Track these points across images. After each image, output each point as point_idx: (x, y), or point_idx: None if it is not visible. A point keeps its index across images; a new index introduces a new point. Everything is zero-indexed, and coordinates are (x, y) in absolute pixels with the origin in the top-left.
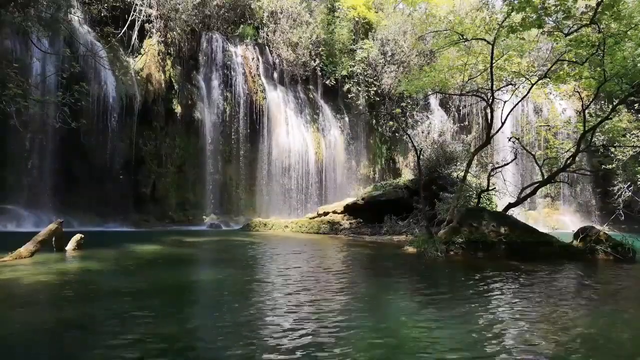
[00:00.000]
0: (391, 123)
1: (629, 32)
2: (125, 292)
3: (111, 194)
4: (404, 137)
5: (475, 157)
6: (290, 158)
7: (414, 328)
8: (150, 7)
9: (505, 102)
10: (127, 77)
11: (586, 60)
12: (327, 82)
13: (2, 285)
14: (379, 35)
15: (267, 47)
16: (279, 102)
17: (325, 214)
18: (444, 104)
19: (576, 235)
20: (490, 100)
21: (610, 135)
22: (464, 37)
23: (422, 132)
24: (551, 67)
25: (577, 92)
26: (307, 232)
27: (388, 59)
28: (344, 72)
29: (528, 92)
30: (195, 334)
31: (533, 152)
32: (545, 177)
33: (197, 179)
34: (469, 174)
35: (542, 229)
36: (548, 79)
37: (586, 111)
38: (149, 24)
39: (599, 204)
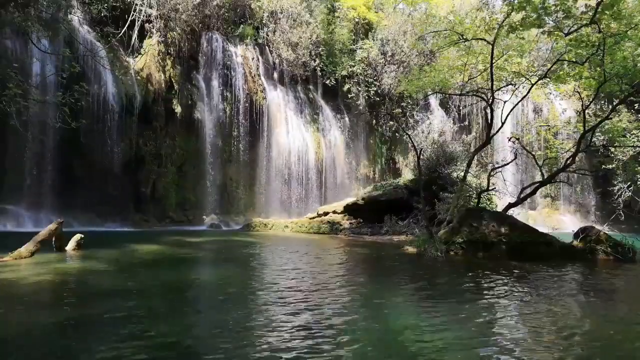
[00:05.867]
0: (391, 123)
1: (629, 32)
2: (125, 292)
3: (111, 194)
4: (404, 137)
5: (475, 157)
6: (290, 158)
7: (414, 328)
8: (150, 7)
9: (505, 102)
10: (127, 77)
11: (586, 60)
12: (327, 82)
13: (2, 285)
14: (379, 35)
15: (267, 47)
16: (279, 102)
17: (325, 214)
18: (444, 104)
19: (576, 235)
20: (490, 100)
21: (610, 135)
22: (464, 37)
23: (422, 132)
24: (551, 67)
25: (577, 92)
26: (307, 232)
27: (388, 59)
28: (344, 72)
29: (528, 92)
30: (194, 334)
31: (533, 152)
32: (545, 177)
33: (197, 179)
34: (469, 174)
35: (542, 229)
36: (548, 79)
37: (586, 111)
38: (149, 24)
39: (599, 204)
